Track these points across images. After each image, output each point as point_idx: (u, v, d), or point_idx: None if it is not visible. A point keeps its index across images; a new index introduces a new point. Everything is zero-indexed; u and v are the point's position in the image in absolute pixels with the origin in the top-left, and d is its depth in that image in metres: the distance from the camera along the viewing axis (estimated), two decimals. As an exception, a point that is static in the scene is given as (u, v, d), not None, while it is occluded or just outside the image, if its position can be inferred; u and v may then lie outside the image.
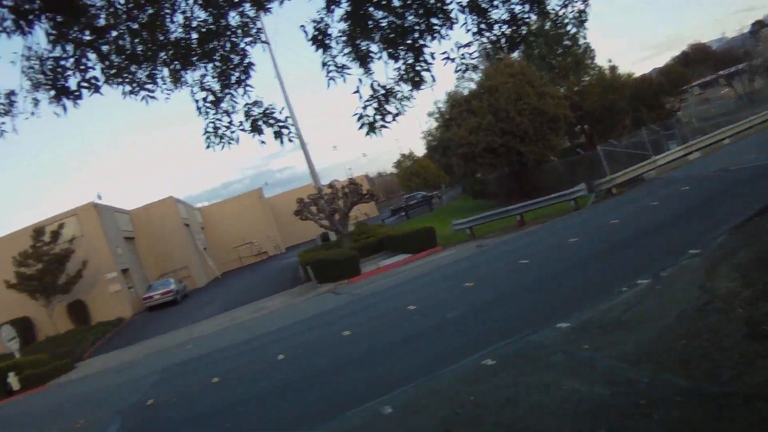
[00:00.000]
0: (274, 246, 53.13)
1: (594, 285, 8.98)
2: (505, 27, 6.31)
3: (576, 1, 6.53)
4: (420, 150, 76.87)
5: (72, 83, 5.22)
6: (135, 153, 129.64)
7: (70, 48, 5.11)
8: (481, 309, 9.92)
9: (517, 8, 6.33)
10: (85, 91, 5.21)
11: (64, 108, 5.18)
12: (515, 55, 33.89)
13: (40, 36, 4.98)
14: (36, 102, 5.24)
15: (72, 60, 5.17)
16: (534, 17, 6.57)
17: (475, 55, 6.31)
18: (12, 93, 5.29)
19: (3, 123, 5.28)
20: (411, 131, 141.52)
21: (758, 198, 10.95)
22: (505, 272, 13.13)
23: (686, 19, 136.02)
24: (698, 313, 6.04)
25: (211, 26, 5.96)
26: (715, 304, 6.09)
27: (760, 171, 15.03)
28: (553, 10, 6.57)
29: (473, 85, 36.76)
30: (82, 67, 5.20)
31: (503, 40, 6.38)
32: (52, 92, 5.17)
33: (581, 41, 37.53)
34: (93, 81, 5.23)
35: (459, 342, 8.19)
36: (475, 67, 31.89)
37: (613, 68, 38.97)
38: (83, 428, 10.03)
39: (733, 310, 5.75)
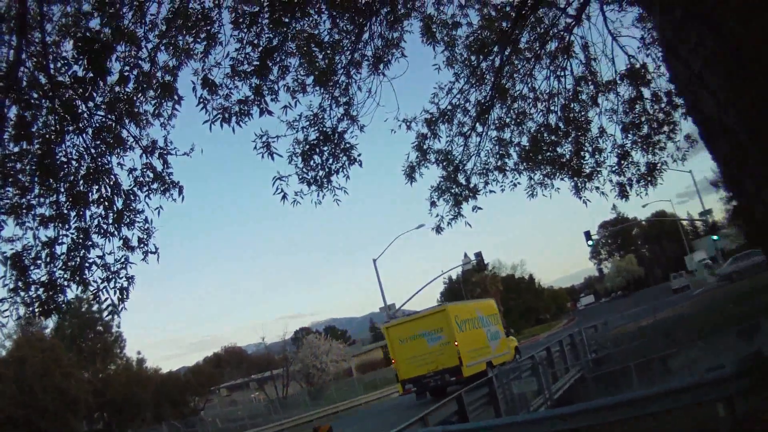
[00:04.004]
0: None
1: None
2: (41, 290, 6.00)
3: (120, 278, 6.34)
4: None
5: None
6: None
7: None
8: None
9: (58, 272, 6.11)
10: None
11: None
12: (48, 330, 34.12)
13: None
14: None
15: None
16: (74, 286, 6.32)
17: (7, 314, 5.91)
18: None
19: None
20: None
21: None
22: None
23: (226, 322, 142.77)
24: None
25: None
26: None
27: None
28: (95, 281, 6.32)
29: (3, 352, 34.02)
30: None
31: (37, 304, 6.03)
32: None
33: (114, 329, 38.37)
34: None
35: None
36: (2, 326, 30.31)
37: (141, 361, 40.26)
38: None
39: None
